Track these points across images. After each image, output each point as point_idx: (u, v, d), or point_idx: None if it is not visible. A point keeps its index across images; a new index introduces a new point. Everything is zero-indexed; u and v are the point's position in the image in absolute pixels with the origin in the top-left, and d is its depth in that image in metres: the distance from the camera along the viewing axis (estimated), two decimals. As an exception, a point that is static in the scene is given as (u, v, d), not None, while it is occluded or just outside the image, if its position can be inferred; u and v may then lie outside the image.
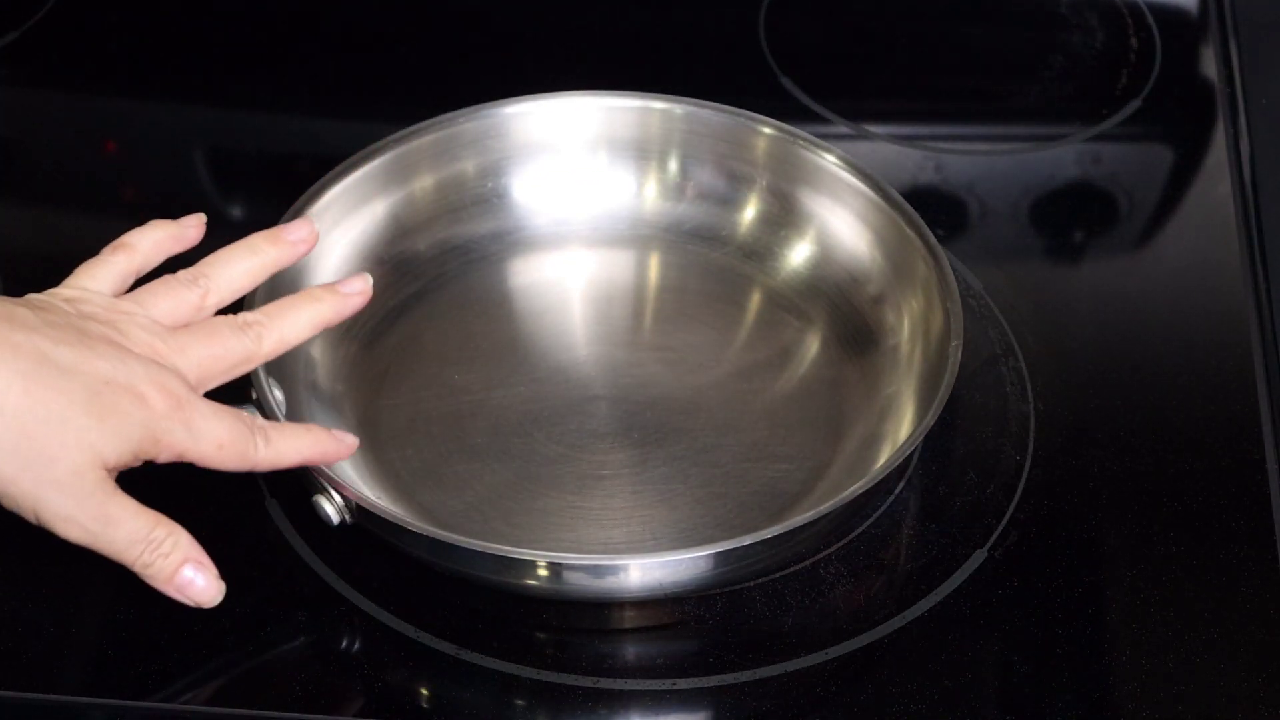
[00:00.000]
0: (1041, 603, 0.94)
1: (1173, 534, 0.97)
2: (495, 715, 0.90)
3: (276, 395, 0.95)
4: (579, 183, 1.10)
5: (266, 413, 0.92)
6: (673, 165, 1.10)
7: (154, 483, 0.97)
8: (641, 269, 1.10)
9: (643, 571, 0.89)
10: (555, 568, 0.88)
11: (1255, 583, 0.95)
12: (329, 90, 1.24)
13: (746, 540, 0.88)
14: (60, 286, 0.90)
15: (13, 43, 1.23)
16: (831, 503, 0.89)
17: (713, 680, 0.91)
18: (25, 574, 0.94)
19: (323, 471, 0.91)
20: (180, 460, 0.87)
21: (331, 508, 0.91)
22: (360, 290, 0.95)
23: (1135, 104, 1.22)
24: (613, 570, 0.89)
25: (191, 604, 0.88)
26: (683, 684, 0.91)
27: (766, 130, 1.08)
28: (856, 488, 0.90)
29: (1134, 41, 1.27)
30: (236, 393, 0.93)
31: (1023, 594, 0.94)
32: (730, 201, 1.10)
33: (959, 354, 0.95)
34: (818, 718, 0.90)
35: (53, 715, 0.89)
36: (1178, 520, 0.98)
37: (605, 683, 0.90)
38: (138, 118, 1.21)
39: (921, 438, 0.93)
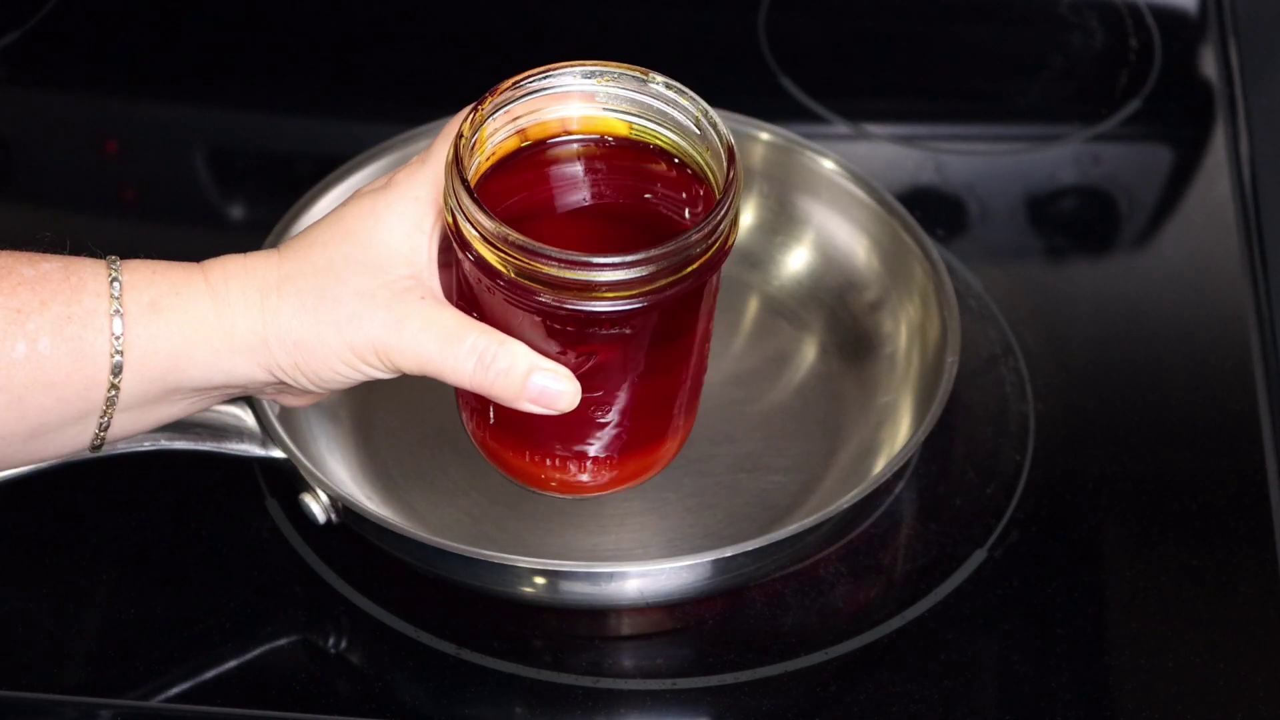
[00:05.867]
0: (1041, 603, 0.94)
1: (1172, 534, 0.97)
2: (495, 715, 0.90)
3: (271, 393, 0.95)
4: (577, 187, 1.10)
5: (259, 409, 0.92)
6: None
7: (153, 480, 0.97)
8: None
9: (622, 581, 0.89)
10: (532, 574, 0.88)
11: (1255, 583, 0.95)
12: (329, 91, 1.24)
13: (729, 552, 0.88)
14: None
15: (13, 43, 1.23)
16: (816, 517, 0.90)
17: (713, 680, 0.91)
18: (25, 574, 0.94)
19: (310, 471, 0.91)
20: None
21: (318, 507, 0.91)
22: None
23: (1135, 104, 1.22)
24: (592, 579, 0.89)
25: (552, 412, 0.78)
26: (682, 684, 0.91)
27: (764, 136, 1.08)
28: (842, 502, 0.90)
29: (1134, 41, 1.27)
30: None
31: (1023, 594, 0.94)
32: None
33: (955, 369, 0.95)
34: (818, 718, 0.90)
35: (53, 715, 0.89)
36: (1177, 520, 0.98)
37: (605, 683, 0.90)
38: (138, 118, 1.21)
39: (912, 453, 0.93)
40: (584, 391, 0.78)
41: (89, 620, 0.93)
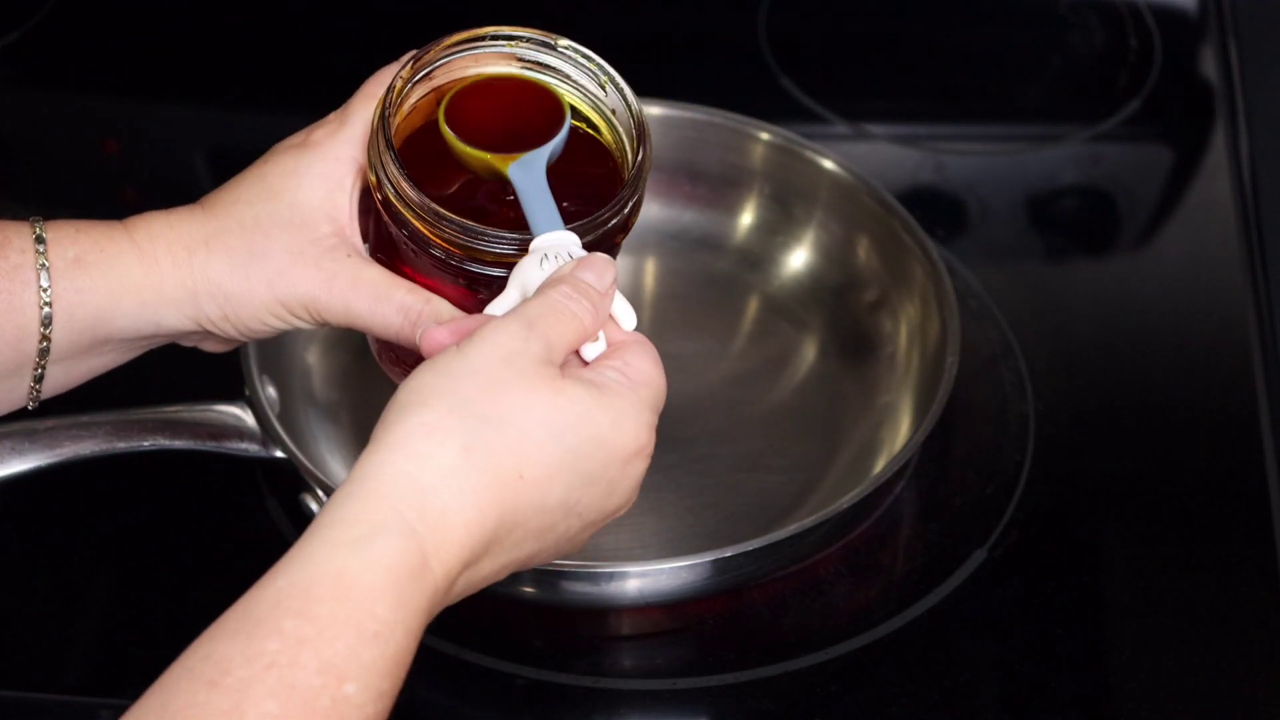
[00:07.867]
0: (1041, 603, 0.94)
1: (1172, 534, 0.97)
2: (495, 715, 0.90)
3: (270, 393, 0.95)
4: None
5: (259, 409, 0.92)
6: (671, 171, 1.10)
7: (153, 480, 0.97)
8: (639, 276, 1.10)
9: (622, 581, 0.89)
10: (532, 574, 0.89)
11: (1255, 583, 0.95)
12: (329, 91, 1.23)
13: (729, 552, 0.88)
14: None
15: (13, 43, 1.23)
16: (816, 517, 0.90)
17: (713, 680, 0.91)
18: (25, 574, 0.94)
19: (310, 471, 0.91)
20: None
21: (318, 507, 0.90)
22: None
23: (1135, 104, 1.22)
24: (592, 579, 0.89)
25: None
26: (683, 684, 0.91)
27: (765, 136, 1.08)
28: (842, 502, 0.91)
29: (1134, 42, 1.27)
30: (231, 390, 0.93)
31: (1023, 594, 0.94)
32: (728, 208, 1.10)
33: (955, 369, 0.95)
34: (818, 718, 0.90)
35: (53, 715, 0.89)
36: (1177, 520, 0.98)
37: (606, 683, 0.90)
38: (138, 118, 1.21)
39: (912, 453, 0.93)
40: None
41: (89, 620, 0.93)
